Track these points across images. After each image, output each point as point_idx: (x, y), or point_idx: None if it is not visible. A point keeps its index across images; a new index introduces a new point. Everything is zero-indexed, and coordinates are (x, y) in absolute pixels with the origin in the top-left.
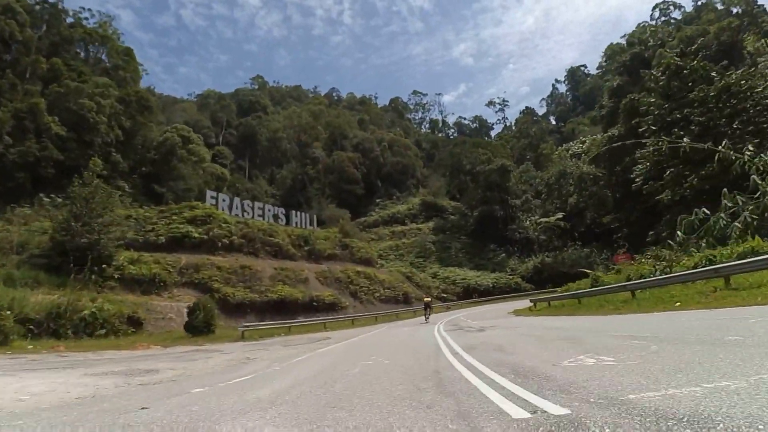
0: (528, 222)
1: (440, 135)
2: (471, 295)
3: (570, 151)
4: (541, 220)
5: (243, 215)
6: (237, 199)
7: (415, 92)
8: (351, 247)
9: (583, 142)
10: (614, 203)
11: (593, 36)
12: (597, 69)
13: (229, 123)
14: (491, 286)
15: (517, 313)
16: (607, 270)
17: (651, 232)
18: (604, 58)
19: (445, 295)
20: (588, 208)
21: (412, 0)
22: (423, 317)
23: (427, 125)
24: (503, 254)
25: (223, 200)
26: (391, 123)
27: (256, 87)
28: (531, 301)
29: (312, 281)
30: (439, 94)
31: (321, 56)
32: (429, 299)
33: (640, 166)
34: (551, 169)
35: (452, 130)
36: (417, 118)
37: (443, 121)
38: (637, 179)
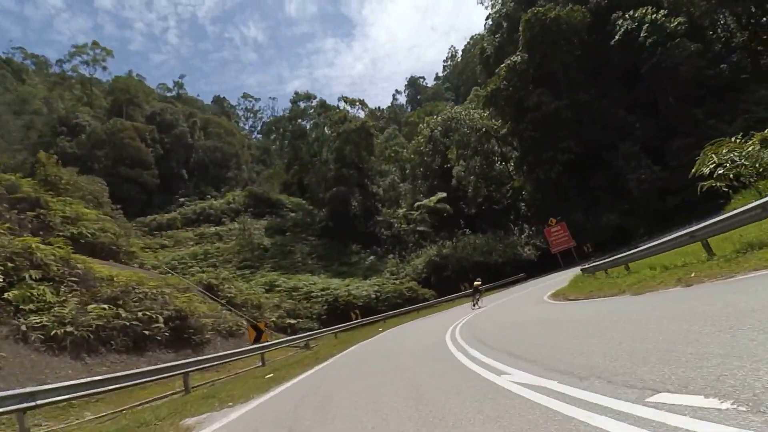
0: (399, 210)
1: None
2: (346, 314)
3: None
4: (418, 204)
5: None
6: None
7: (245, 95)
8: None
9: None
10: (520, 168)
11: None
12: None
13: None
14: (373, 297)
15: None
16: (536, 251)
17: None
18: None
19: (293, 321)
20: (481, 182)
21: (246, 30)
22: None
23: (259, 134)
24: (371, 256)
25: None
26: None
27: None
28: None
29: None
30: (274, 98)
31: (139, 73)
32: (479, 283)
33: None
34: (426, 128)
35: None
36: (247, 127)
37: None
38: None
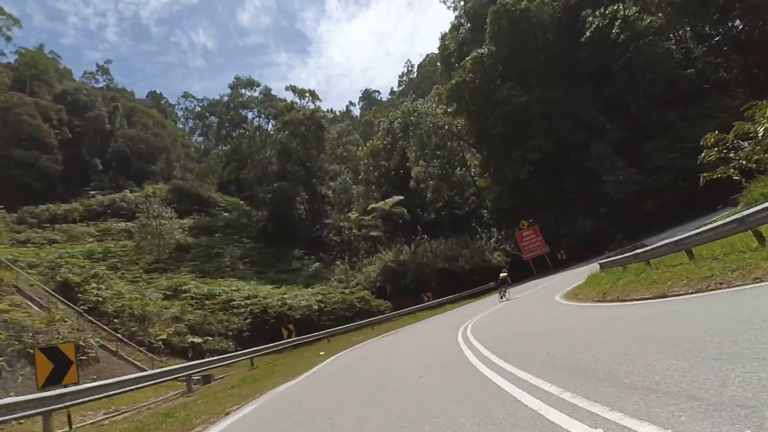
0: (350, 215)
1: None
2: (277, 330)
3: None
4: (372, 206)
5: None
6: None
7: (186, 95)
8: None
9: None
10: (486, 169)
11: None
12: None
13: None
14: (315, 309)
15: None
16: (506, 257)
17: None
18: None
19: (198, 340)
20: (442, 184)
21: (194, 36)
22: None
23: (200, 136)
24: (316, 263)
25: None
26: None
27: None
28: None
29: None
30: (219, 98)
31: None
32: (505, 274)
33: None
34: (386, 121)
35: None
36: (187, 128)
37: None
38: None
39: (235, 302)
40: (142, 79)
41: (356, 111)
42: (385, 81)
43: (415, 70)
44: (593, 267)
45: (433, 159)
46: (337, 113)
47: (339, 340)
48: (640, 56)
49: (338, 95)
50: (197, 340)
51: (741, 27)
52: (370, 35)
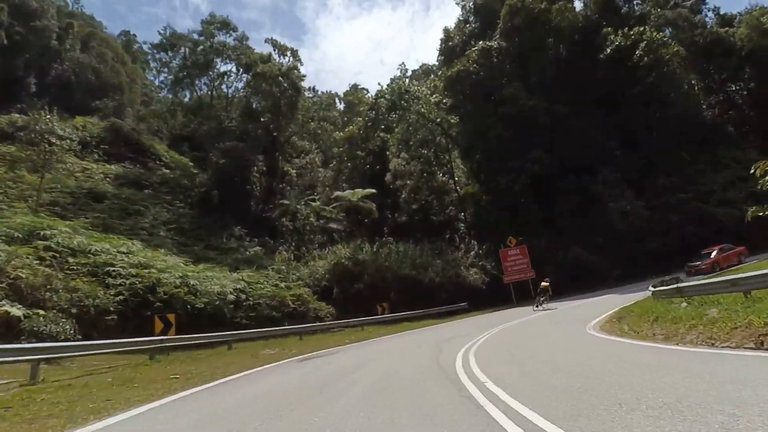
0: (313, 203)
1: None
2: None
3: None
4: (338, 195)
5: None
6: None
7: (160, 45)
8: None
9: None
10: (477, 174)
11: None
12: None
13: None
14: (231, 299)
15: None
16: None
17: None
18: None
19: (22, 313)
20: (423, 182)
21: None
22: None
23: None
24: (257, 246)
25: None
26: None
27: None
28: None
29: None
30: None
31: None
32: (547, 284)
33: None
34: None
35: None
36: (157, 81)
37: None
38: None
39: (115, 269)
40: (121, 26)
41: (342, 106)
42: (375, 88)
43: (409, 72)
44: (587, 302)
45: (417, 154)
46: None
47: (244, 350)
48: (663, 83)
49: (326, 91)
50: (15, 311)
51: (753, 86)
52: (367, 40)
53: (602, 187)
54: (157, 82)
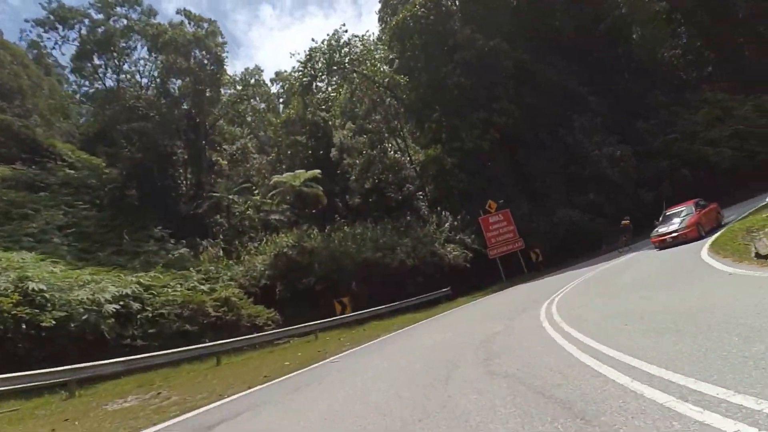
0: (252, 197)
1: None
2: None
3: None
4: (277, 180)
5: None
6: None
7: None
8: None
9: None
10: (437, 135)
11: None
12: None
13: None
14: (109, 312)
15: None
16: (466, 251)
17: None
18: None
19: None
20: (372, 154)
21: None
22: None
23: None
24: (183, 249)
25: None
26: None
27: None
28: None
29: None
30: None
31: None
32: (627, 222)
33: None
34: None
35: None
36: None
37: None
38: None
39: None
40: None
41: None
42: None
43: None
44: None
45: (365, 124)
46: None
47: (84, 402)
48: (632, 13)
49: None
50: None
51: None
52: (302, 49)
53: (582, 136)
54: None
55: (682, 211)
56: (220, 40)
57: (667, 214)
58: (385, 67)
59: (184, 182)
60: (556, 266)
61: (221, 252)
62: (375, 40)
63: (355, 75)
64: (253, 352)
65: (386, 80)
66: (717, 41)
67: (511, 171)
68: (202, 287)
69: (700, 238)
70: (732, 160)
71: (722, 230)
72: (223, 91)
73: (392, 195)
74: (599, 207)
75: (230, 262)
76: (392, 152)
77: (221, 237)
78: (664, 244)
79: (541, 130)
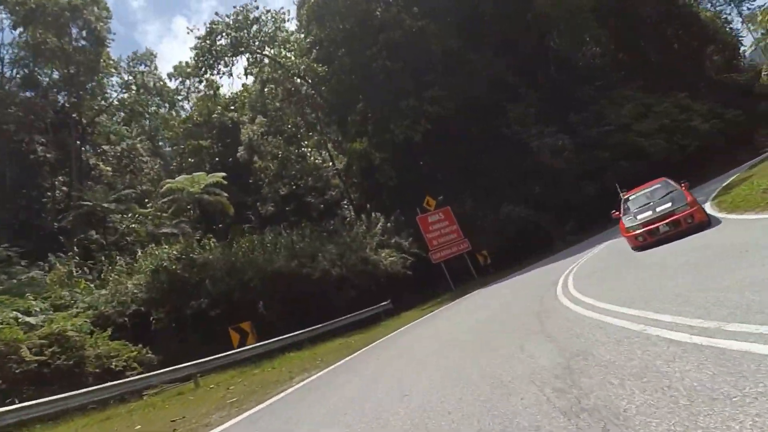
0: (142, 210)
1: None
2: None
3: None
4: (168, 185)
5: None
6: None
7: None
8: None
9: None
10: (362, 128)
11: None
12: None
13: None
14: None
15: None
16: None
17: None
18: None
19: None
20: (287, 151)
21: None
22: None
23: None
24: (36, 271)
25: None
26: None
27: None
28: None
29: None
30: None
31: None
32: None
33: None
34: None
35: None
36: None
37: None
38: None
39: None
40: None
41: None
42: None
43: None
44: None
45: (276, 117)
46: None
47: None
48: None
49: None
50: None
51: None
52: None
53: (518, 126)
54: None
55: (656, 189)
56: (104, 15)
57: (631, 198)
58: (300, 58)
59: (52, 190)
60: (510, 268)
61: (75, 272)
62: (291, 22)
63: (266, 60)
64: (93, 417)
65: (303, 68)
66: (629, 45)
67: (449, 165)
68: (28, 320)
69: (709, 223)
70: (666, 151)
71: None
72: (106, 80)
73: (313, 201)
74: (544, 201)
75: (90, 284)
76: (310, 150)
77: (95, 255)
78: (650, 239)
79: (476, 121)
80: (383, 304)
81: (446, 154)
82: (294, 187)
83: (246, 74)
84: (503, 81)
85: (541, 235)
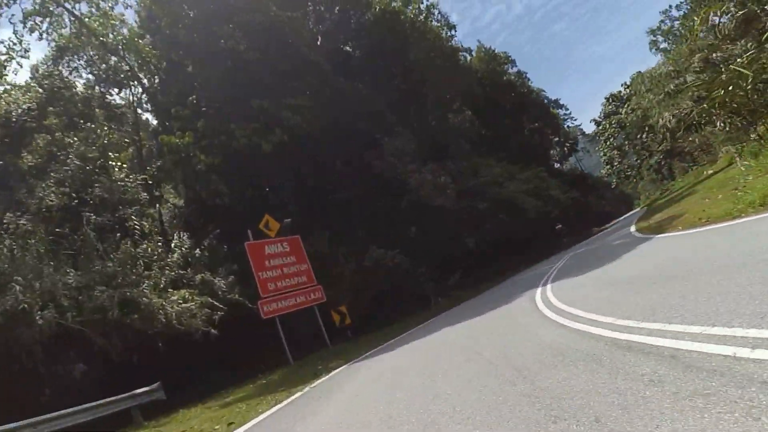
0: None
1: None
2: None
3: None
4: None
5: None
6: None
7: None
8: None
9: None
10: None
11: None
12: None
13: None
14: None
15: None
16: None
17: None
18: None
19: None
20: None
21: None
22: None
23: None
24: None
25: None
26: None
27: None
28: None
29: None
30: None
31: None
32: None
33: None
34: None
35: None
36: None
37: None
38: None
39: None
40: None
41: None
42: None
43: None
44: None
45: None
46: None
47: None
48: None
49: None
50: None
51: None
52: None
53: (394, 159)
54: None
55: None
56: None
57: None
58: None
59: None
60: (377, 330)
61: None
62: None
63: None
64: None
65: (121, 40)
66: (491, 125)
67: (306, 192)
68: None
69: None
70: (536, 210)
71: None
72: None
73: (98, 218)
74: (422, 247)
75: None
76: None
77: None
78: None
79: (345, 147)
80: (142, 391)
81: (303, 178)
82: (73, 196)
83: (24, 22)
84: (379, 114)
85: (418, 288)
